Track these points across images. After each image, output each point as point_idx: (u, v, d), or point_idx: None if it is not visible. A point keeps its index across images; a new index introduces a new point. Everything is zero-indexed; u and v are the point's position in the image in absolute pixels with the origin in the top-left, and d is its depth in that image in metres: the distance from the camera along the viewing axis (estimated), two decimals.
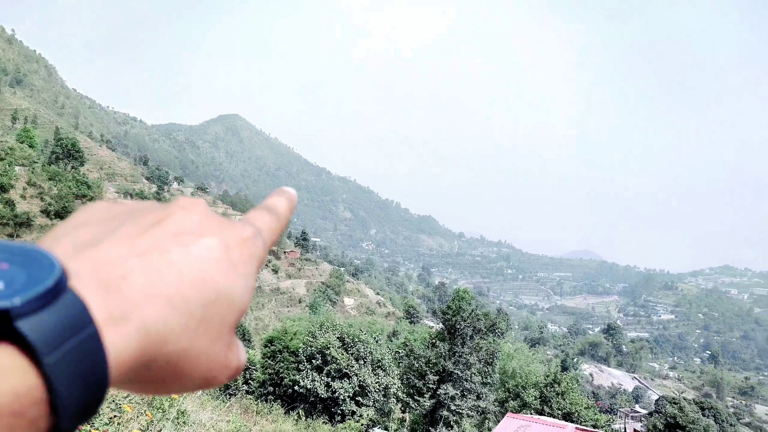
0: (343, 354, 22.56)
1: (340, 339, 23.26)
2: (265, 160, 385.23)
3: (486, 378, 26.20)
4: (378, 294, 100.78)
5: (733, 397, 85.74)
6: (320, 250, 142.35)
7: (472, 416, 24.25)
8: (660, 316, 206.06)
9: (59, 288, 0.31)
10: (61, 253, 0.33)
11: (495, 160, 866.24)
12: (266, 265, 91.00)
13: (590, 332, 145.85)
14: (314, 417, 20.73)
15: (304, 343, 23.59)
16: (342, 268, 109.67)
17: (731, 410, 60.92)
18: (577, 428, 21.26)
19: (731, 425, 43.80)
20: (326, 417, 21.58)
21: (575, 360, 71.63)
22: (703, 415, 38.62)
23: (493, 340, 26.83)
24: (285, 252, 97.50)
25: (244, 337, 42.32)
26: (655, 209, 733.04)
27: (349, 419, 21.15)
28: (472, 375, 24.63)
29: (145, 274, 0.33)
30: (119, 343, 0.32)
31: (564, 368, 47.07)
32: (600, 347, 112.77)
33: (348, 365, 22.38)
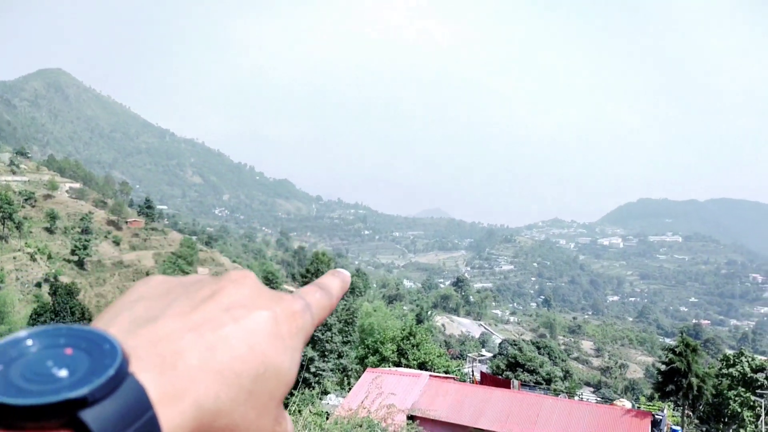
0: None
1: None
2: (98, 120, 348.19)
3: (346, 336, 26.49)
4: (234, 262, 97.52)
5: (564, 336, 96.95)
6: (168, 218, 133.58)
7: (332, 376, 24.44)
8: (501, 267, 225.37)
9: (121, 375, 0.33)
10: (120, 330, 0.34)
11: (346, 121, 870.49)
12: (105, 236, 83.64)
13: (442, 286, 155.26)
14: None
15: None
16: (194, 237, 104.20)
17: (562, 347, 68.74)
18: (431, 376, 22.34)
19: (563, 360, 49.71)
20: None
21: (429, 313, 75.71)
22: (539, 354, 43.31)
23: (353, 300, 27.17)
24: (127, 221, 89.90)
25: (84, 316, 38.58)
26: (494, 169, 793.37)
27: None
28: (333, 336, 24.73)
29: (198, 350, 0.35)
30: (174, 421, 0.33)
31: (419, 321, 49.46)
32: (451, 299, 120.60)
33: None
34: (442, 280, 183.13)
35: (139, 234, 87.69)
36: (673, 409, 28.29)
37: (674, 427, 26.26)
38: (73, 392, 0.32)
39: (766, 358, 35.03)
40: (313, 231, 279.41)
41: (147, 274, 74.14)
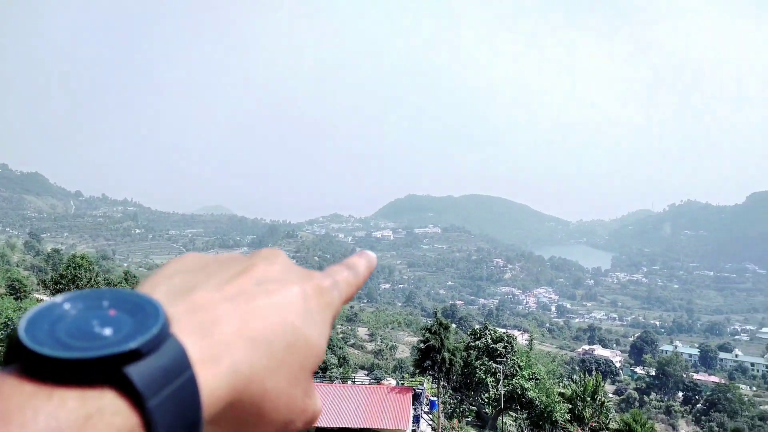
0: None
1: None
2: None
3: None
4: None
5: (342, 324, 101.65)
6: None
7: None
8: None
9: (163, 334, 0.34)
10: (161, 297, 0.36)
11: (105, 104, 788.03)
12: None
13: None
14: None
15: None
16: None
17: (340, 336, 72.30)
18: None
19: (340, 348, 52.78)
20: None
21: None
22: None
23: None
24: None
25: None
26: (276, 164, 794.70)
27: None
28: None
29: (233, 318, 0.37)
30: (212, 382, 0.35)
31: None
32: None
33: None
34: None
35: None
36: (432, 382, 31.32)
37: (432, 398, 29.68)
38: (118, 347, 0.34)
39: (504, 330, 40.61)
40: (72, 231, 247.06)
41: None
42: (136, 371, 0.34)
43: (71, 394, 0.34)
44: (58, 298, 0.34)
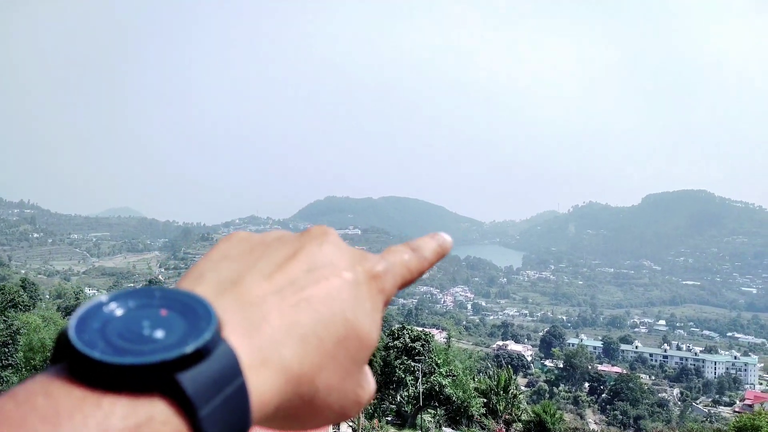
0: None
1: None
2: None
3: (7, 359, 22.57)
4: None
5: None
6: None
7: None
8: None
9: (215, 339, 0.32)
10: (207, 291, 0.35)
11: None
12: None
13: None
14: None
15: None
16: None
17: None
18: None
19: None
20: None
21: None
22: None
23: (14, 316, 23.27)
24: None
25: None
26: (189, 164, 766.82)
27: None
28: None
29: (282, 313, 0.35)
30: (261, 386, 0.33)
31: None
32: None
33: None
34: (132, 285, 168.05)
35: None
36: None
37: None
38: (171, 353, 0.32)
39: (421, 329, 41.32)
40: None
41: None
42: (188, 379, 0.32)
43: (121, 401, 0.32)
44: (107, 296, 0.34)
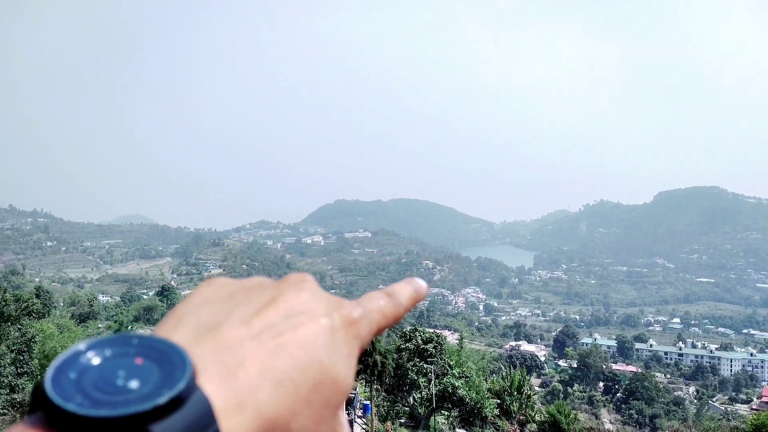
0: None
1: None
2: None
3: (22, 367, 22.80)
4: None
5: None
6: None
7: (6, 413, 20.77)
8: (210, 272, 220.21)
9: (190, 387, 0.33)
10: (185, 336, 0.35)
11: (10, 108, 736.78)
12: None
13: (145, 297, 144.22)
14: None
15: None
16: None
17: None
18: None
19: None
20: None
21: (129, 327, 69.77)
22: None
23: (29, 324, 23.50)
24: None
25: None
26: (200, 170, 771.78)
27: None
28: (4, 367, 21.04)
29: (258, 358, 0.36)
30: (236, 431, 0.34)
31: None
32: (155, 310, 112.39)
33: None
34: (145, 291, 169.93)
35: None
36: (364, 386, 31.45)
37: (365, 401, 29.72)
38: (144, 405, 0.33)
39: (433, 330, 41.37)
40: None
41: None
42: (162, 430, 0.33)
43: None
44: (84, 344, 0.33)
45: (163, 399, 0.33)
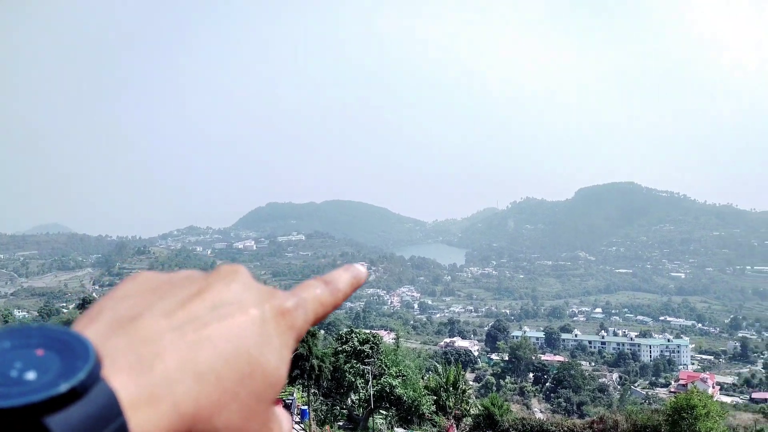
0: None
1: None
2: None
3: None
4: None
5: None
6: None
7: None
8: None
9: (92, 378, 0.31)
10: (99, 329, 0.33)
11: None
12: None
13: (65, 311, 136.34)
14: None
15: None
16: None
17: None
18: None
19: None
20: None
21: None
22: None
23: None
24: None
25: None
26: (121, 176, 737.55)
27: None
28: None
29: (178, 351, 0.34)
30: (147, 425, 0.32)
31: None
32: None
33: None
34: (64, 305, 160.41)
35: None
36: (302, 391, 31.27)
37: (303, 407, 29.56)
38: (38, 395, 0.31)
39: (369, 331, 41.48)
40: None
41: None
42: (58, 422, 0.31)
43: None
44: None
45: (58, 390, 0.31)
